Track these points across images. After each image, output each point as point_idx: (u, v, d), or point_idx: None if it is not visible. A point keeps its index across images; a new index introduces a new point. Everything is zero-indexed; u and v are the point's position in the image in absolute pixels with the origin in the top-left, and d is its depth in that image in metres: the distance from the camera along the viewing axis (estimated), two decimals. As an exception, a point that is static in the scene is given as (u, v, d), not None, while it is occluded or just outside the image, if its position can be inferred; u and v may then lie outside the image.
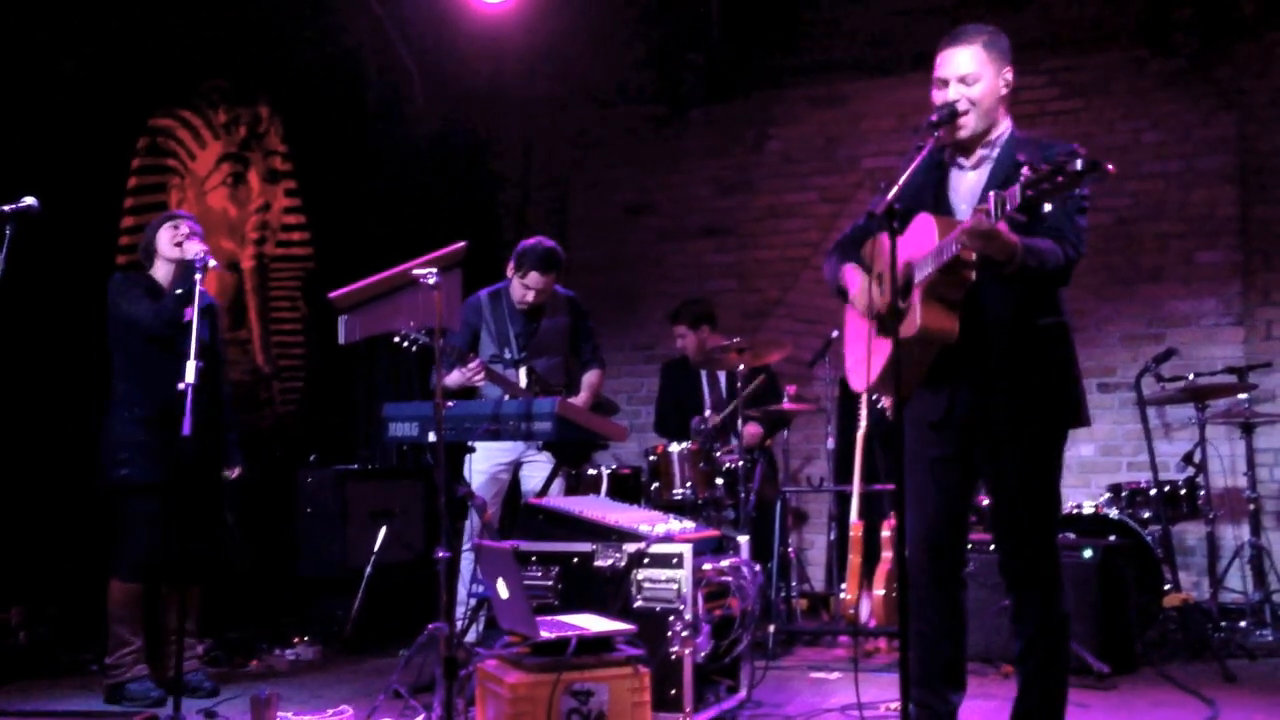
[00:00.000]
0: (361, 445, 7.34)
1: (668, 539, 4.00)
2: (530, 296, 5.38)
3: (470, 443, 4.88)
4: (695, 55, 7.80)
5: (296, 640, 5.67)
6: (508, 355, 5.39)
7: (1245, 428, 6.19)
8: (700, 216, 8.00)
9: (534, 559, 4.14)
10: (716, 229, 7.95)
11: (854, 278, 3.43)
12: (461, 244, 4.30)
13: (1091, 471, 6.95)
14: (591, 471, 5.98)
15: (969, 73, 3.23)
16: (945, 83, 3.26)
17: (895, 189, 2.92)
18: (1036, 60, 7.02)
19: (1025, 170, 2.82)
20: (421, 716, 3.98)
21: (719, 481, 5.81)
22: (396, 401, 5.08)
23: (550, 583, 4.10)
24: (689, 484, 5.75)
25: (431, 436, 4.44)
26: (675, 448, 5.82)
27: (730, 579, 4.12)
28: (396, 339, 4.77)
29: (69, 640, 5.29)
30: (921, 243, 3.13)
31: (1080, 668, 4.56)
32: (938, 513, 3.32)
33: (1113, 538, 5.45)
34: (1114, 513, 5.81)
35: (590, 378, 5.58)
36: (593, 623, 3.64)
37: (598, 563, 4.02)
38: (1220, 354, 6.69)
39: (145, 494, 4.60)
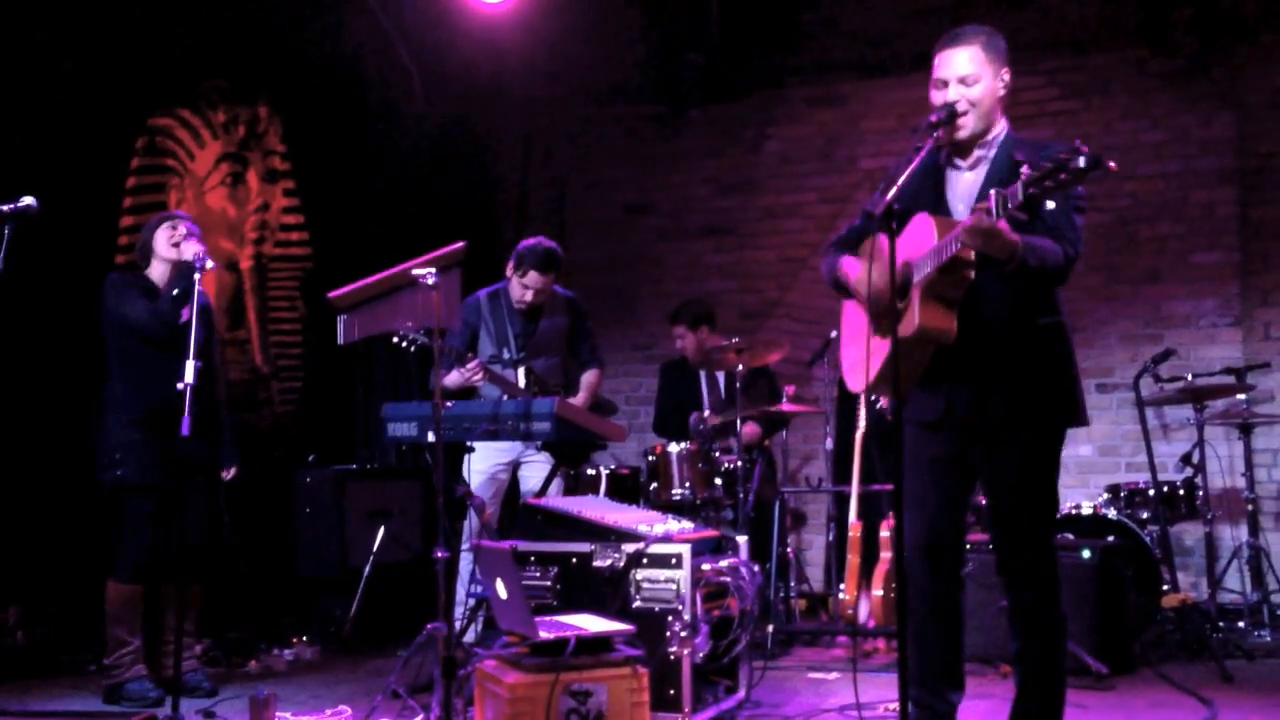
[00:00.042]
0: (360, 445, 7.33)
1: (666, 539, 4.00)
2: (529, 297, 5.38)
3: (469, 443, 4.88)
4: (695, 55, 7.78)
5: (295, 640, 5.66)
6: (506, 355, 5.39)
7: (1243, 428, 6.19)
8: (699, 216, 7.99)
9: (532, 559, 4.14)
10: (716, 229, 7.94)
11: (853, 266, 3.42)
12: (461, 244, 4.30)
13: (1090, 472, 6.94)
14: (590, 471, 5.98)
15: (968, 73, 3.23)
16: (944, 83, 3.26)
17: (894, 189, 2.92)
18: (1036, 61, 7.01)
19: (1026, 169, 2.82)
20: (420, 717, 3.99)
21: (718, 482, 5.80)
22: (395, 401, 5.08)
23: (549, 583, 4.10)
24: (688, 484, 5.75)
25: (430, 436, 4.43)
26: (674, 448, 5.82)
27: (729, 579, 4.12)
28: (395, 339, 4.76)
29: (68, 640, 5.29)
30: (920, 243, 3.13)
31: (1078, 668, 4.56)
32: (936, 513, 3.32)
33: (1111, 538, 5.46)
34: (1112, 513, 5.81)
35: (589, 378, 5.58)
36: (591, 623, 3.64)
37: (596, 563, 4.02)
38: (1219, 355, 6.68)
39: (141, 494, 4.60)
